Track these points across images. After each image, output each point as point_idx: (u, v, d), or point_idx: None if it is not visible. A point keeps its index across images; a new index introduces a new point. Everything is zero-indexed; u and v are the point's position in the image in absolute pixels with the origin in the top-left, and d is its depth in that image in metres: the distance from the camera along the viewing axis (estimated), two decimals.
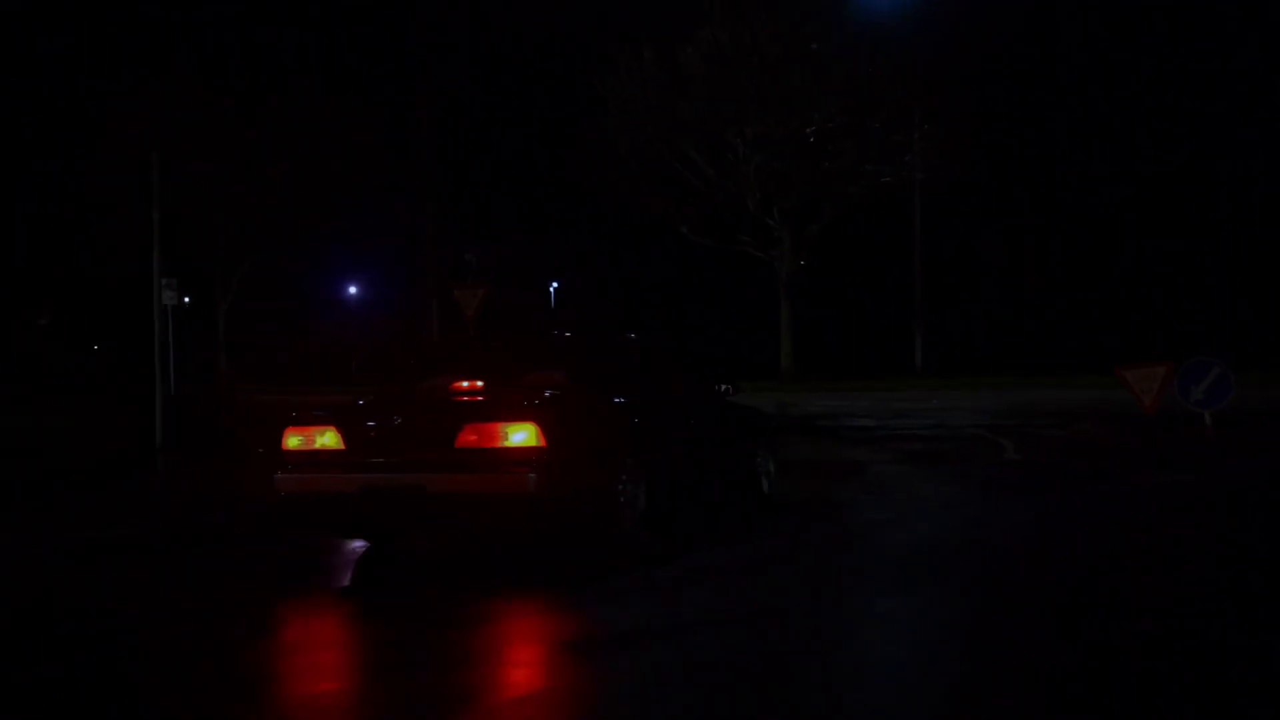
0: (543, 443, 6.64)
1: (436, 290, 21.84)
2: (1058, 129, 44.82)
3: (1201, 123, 43.69)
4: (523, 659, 5.65)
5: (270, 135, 40.99)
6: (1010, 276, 46.65)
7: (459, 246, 26.78)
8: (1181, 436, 16.08)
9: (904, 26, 34.17)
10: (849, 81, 33.04)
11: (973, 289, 46.49)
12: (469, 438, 6.77)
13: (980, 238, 45.96)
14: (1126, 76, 44.54)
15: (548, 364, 8.15)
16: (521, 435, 6.67)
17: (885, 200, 36.95)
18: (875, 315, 44.57)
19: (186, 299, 24.82)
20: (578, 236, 45.61)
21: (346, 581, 7.50)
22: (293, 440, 7.20)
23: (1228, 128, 43.20)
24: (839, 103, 33.40)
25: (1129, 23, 43.88)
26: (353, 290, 61.22)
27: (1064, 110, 45.01)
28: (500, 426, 6.74)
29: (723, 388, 9.57)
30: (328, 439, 7.09)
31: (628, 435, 7.64)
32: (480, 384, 7.71)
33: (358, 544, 8.03)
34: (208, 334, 49.23)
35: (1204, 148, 43.27)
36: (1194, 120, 43.64)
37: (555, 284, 56.04)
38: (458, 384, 7.80)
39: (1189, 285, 43.46)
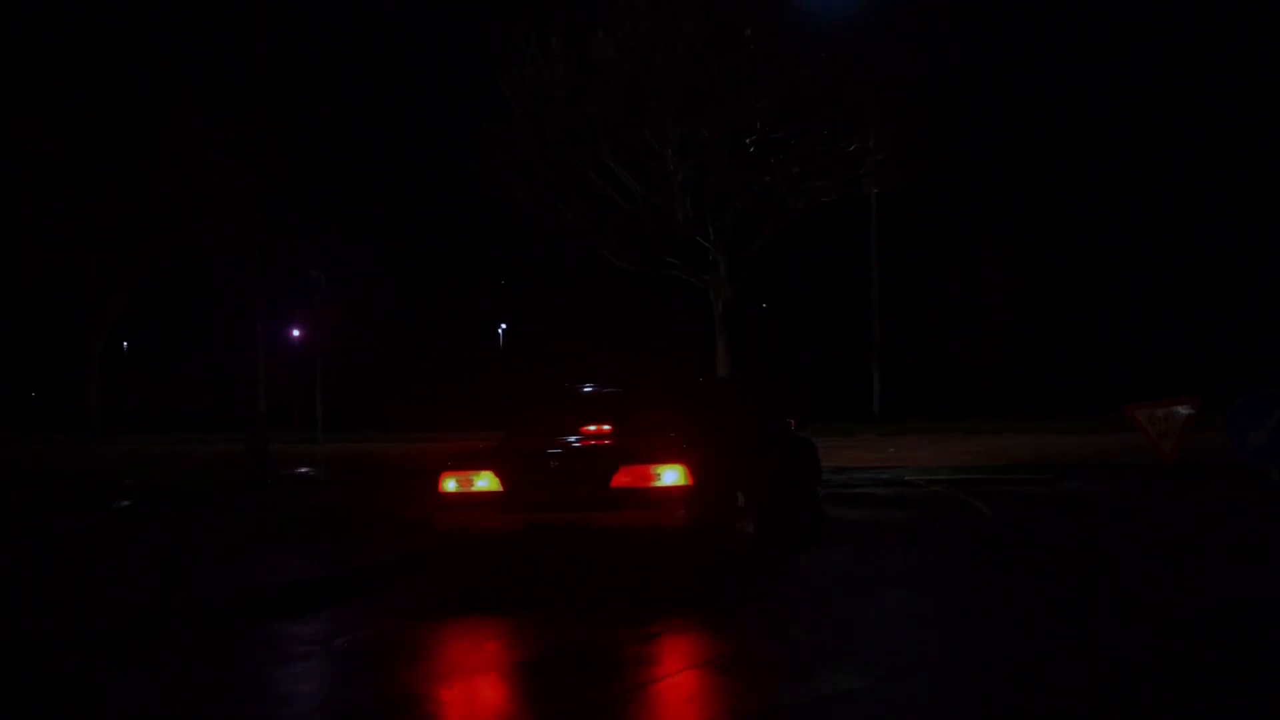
0: (690, 481, 7.60)
1: (257, 312, 17.60)
2: (1031, 136, 41.54)
3: (1193, 125, 40.51)
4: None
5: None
6: (976, 307, 42.98)
7: (304, 262, 22.69)
8: (1232, 498, 12.25)
9: (855, 18, 30.53)
10: (791, 80, 29.24)
11: (936, 321, 42.86)
12: (623, 478, 7.70)
13: (943, 263, 42.44)
14: (1104, 80, 41.44)
15: (660, 405, 9.13)
16: (673, 475, 7.62)
17: (835, 219, 33.26)
18: (826, 351, 40.97)
19: None
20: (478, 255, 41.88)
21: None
22: (450, 483, 8.17)
23: (1220, 129, 40.03)
24: (780, 105, 29.55)
25: (1109, 22, 40.81)
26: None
27: (1036, 117, 41.80)
28: (653, 468, 7.67)
29: (790, 422, 10.59)
30: (486, 481, 8.04)
31: (741, 471, 8.56)
32: (605, 427, 8.56)
33: None
34: (79, 375, 44.79)
35: (1197, 152, 40.08)
36: (1186, 123, 40.43)
37: (504, 326, 55.10)
38: (585, 427, 8.66)
39: (1180, 314, 40.06)
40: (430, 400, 42.32)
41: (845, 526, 11.57)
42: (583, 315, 45.02)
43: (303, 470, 20.03)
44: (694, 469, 7.63)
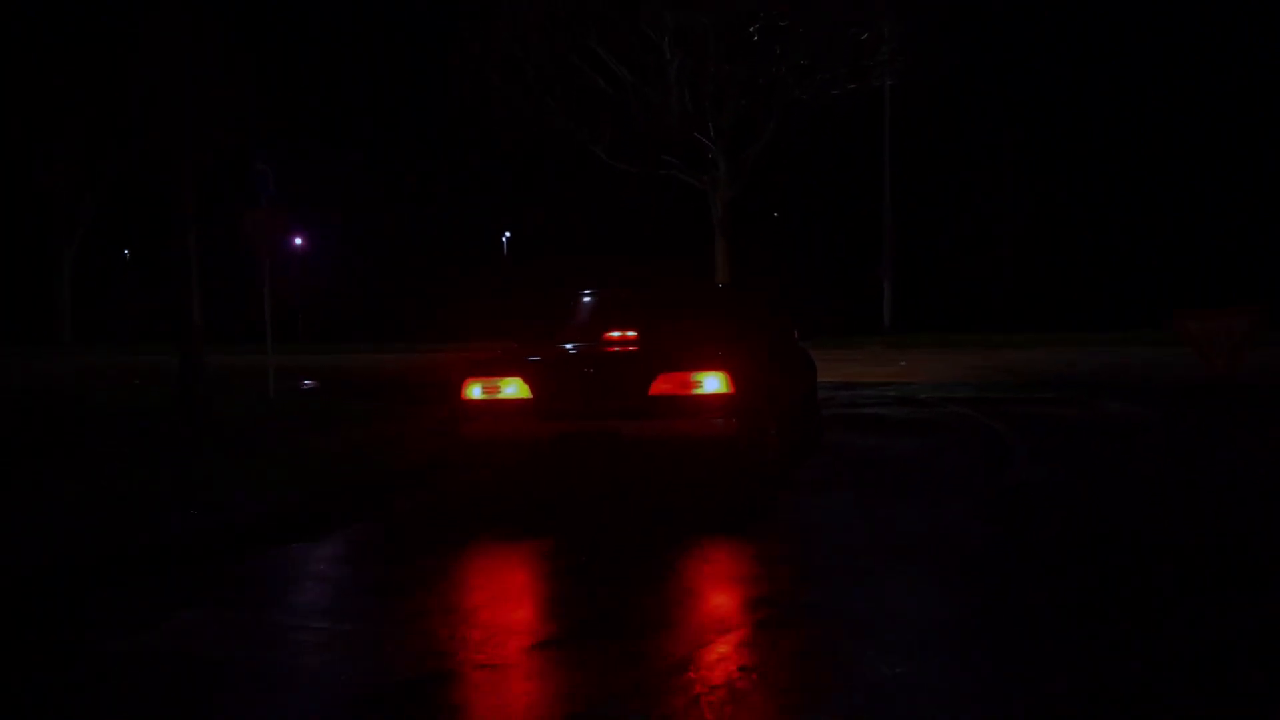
0: (732, 389, 7.32)
1: (190, 209, 15.61)
2: (1060, 25, 38.80)
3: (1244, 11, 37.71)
4: None
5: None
6: (995, 213, 40.68)
7: (249, 153, 20.49)
8: None
9: None
10: None
11: (951, 228, 40.60)
12: (663, 385, 7.37)
13: (960, 164, 40.00)
14: None
15: (688, 311, 9.22)
16: (714, 383, 7.32)
17: (844, 116, 30.93)
18: (831, 258, 38.85)
19: None
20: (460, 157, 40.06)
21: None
22: (475, 390, 7.80)
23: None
24: None
25: None
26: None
27: (1065, 3, 38.99)
28: (694, 375, 7.35)
29: (794, 332, 10.49)
30: (515, 388, 7.70)
31: (768, 381, 8.27)
32: (634, 334, 8.44)
33: None
34: (44, 288, 43.05)
35: (1244, 38, 37.35)
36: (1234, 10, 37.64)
37: (508, 234, 54.66)
38: (610, 334, 8.56)
39: (1225, 220, 37.69)
40: (434, 312, 40.97)
41: (848, 459, 9.73)
42: (583, 222, 43.69)
43: (307, 384, 19.08)
44: (735, 377, 7.39)
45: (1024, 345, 26.99)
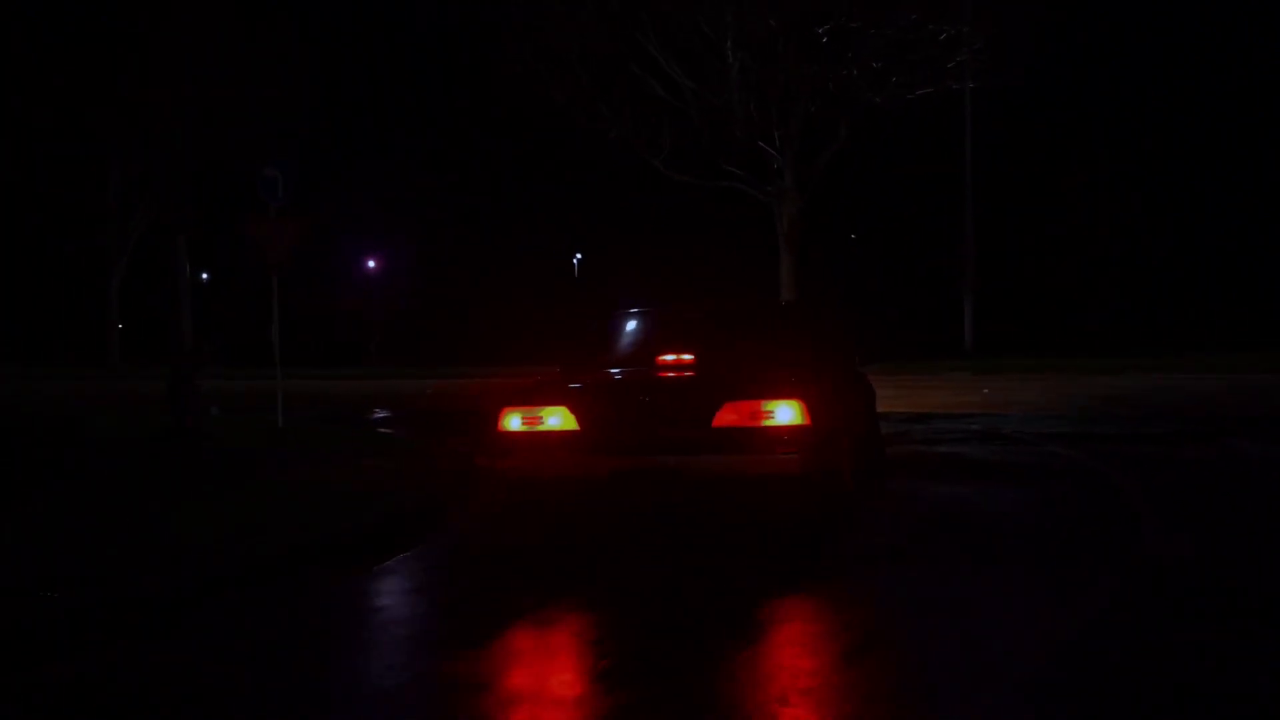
0: (808, 420, 6.64)
1: (183, 221, 14.27)
2: (1161, 26, 36.28)
3: None
4: None
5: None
6: (1088, 228, 38.11)
7: (255, 159, 19.01)
8: None
9: None
10: None
11: (1039, 244, 38.13)
12: (729, 416, 6.68)
13: (1048, 175, 37.53)
14: None
15: (754, 332, 8.41)
16: (788, 413, 6.63)
17: (921, 123, 28.80)
18: (908, 275, 36.61)
19: None
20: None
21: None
22: (514, 420, 7.06)
23: None
24: None
25: None
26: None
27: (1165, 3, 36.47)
28: (765, 404, 6.66)
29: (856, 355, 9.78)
30: (559, 419, 6.96)
31: (841, 409, 7.69)
32: (692, 357, 7.62)
33: None
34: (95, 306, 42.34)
35: None
36: None
37: (579, 256, 54.62)
38: (665, 357, 7.68)
39: None
40: (503, 335, 40.16)
41: (922, 516, 7.76)
42: (649, 240, 42.72)
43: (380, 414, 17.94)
44: (811, 406, 6.71)
45: (1122, 370, 24.62)
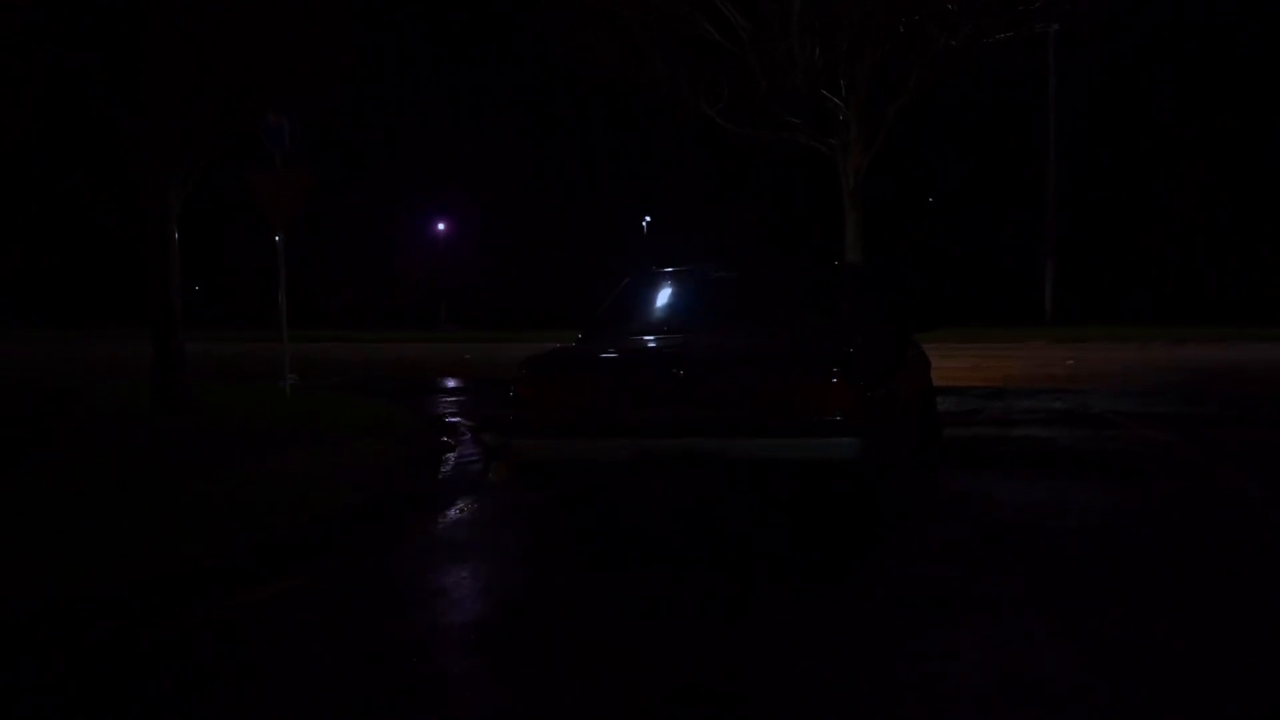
0: (864, 399, 5.75)
1: (170, 166, 12.89)
2: None
3: None
4: None
5: None
6: (1177, 187, 35.57)
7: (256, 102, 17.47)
8: None
9: None
10: None
11: (1124, 203, 35.70)
12: (777, 394, 5.83)
13: (1137, 130, 35.03)
14: None
15: (805, 299, 7.75)
16: (843, 392, 5.71)
17: (999, 73, 26.54)
18: (984, 237, 34.47)
19: None
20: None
21: None
22: (529, 395, 6.20)
23: None
24: None
25: None
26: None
27: None
28: (817, 381, 5.76)
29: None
30: (581, 394, 6.12)
31: (899, 386, 6.73)
32: (734, 325, 7.03)
33: None
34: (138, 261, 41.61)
35: None
36: None
37: (648, 218, 53.70)
38: (703, 325, 7.13)
39: None
40: (571, 298, 39.41)
41: (990, 534, 6.01)
42: (714, 199, 41.56)
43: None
44: (867, 384, 5.82)
45: (1215, 339, 22.46)
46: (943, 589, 4.91)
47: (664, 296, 7.86)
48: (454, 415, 12.43)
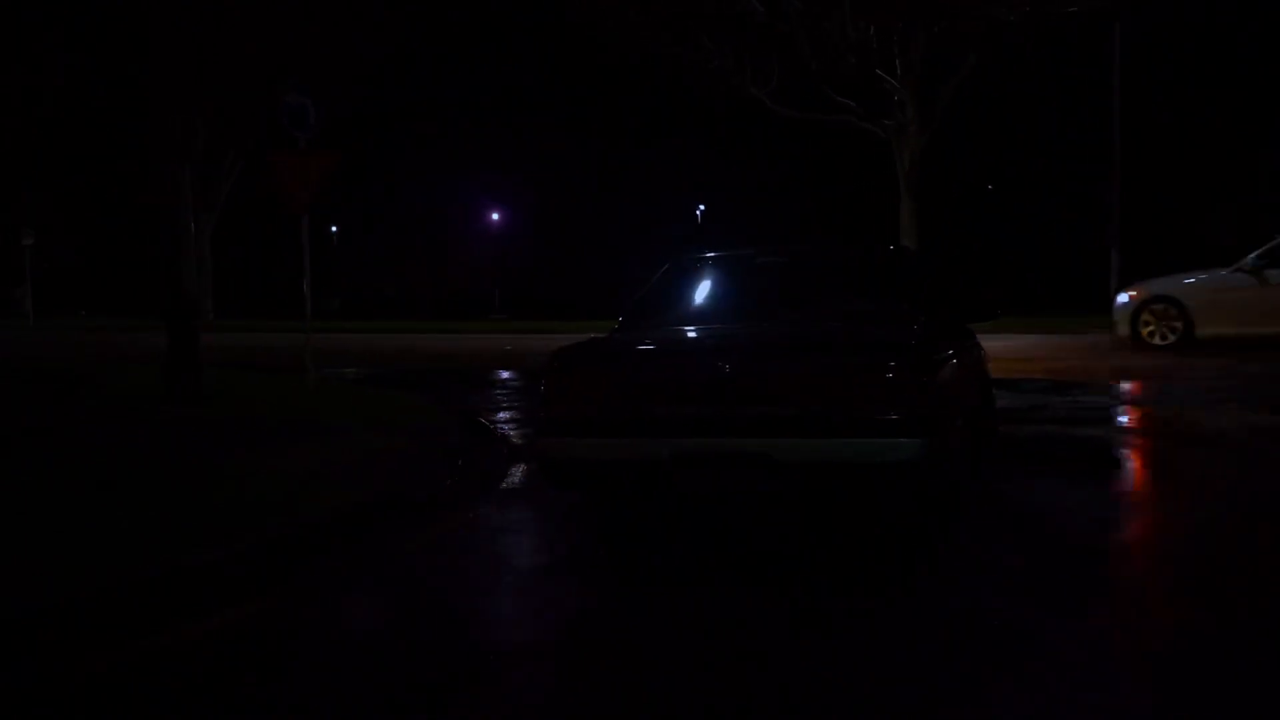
0: (929, 394, 5.29)
1: (184, 155, 12.35)
2: None
3: None
4: None
5: None
6: (1252, 166, 34.12)
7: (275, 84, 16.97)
8: None
9: None
10: None
11: (1195, 188, 34.30)
12: (829, 389, 5.35)
13: (1209, 107, 33.64)
14: None
15: (861, 286, 7.18)
16: (906, 386, 5.25)
17: (1061, 48, 25.38)
18: (1045, 222, 33.29)
19: None
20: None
21: None
22: (559, 389, 5.78)
23: None
24: None
25: None
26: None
27: None
28: (875, 373, 5.30)
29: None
30: (615, 388, 5.70)
31: (960, 372, 6.12)
32: (782, 313, 6.60)
33: None
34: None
35: None
36: None
37: (701, 208, 53.67)
38: (748, 314, 6.72)
39: None
40: (625, 288, 39.17)
41: (1062, 544, 5.17)
42: (768, 188, 41.02)
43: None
44: (931, 377, 5.29)
45: None
46: (1013, 628, 4.06)
47: (706, 283, 7.44)
48: (481, 409, 11.74)
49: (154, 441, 8.84)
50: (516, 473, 7.83)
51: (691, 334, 6.57)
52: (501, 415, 11.13)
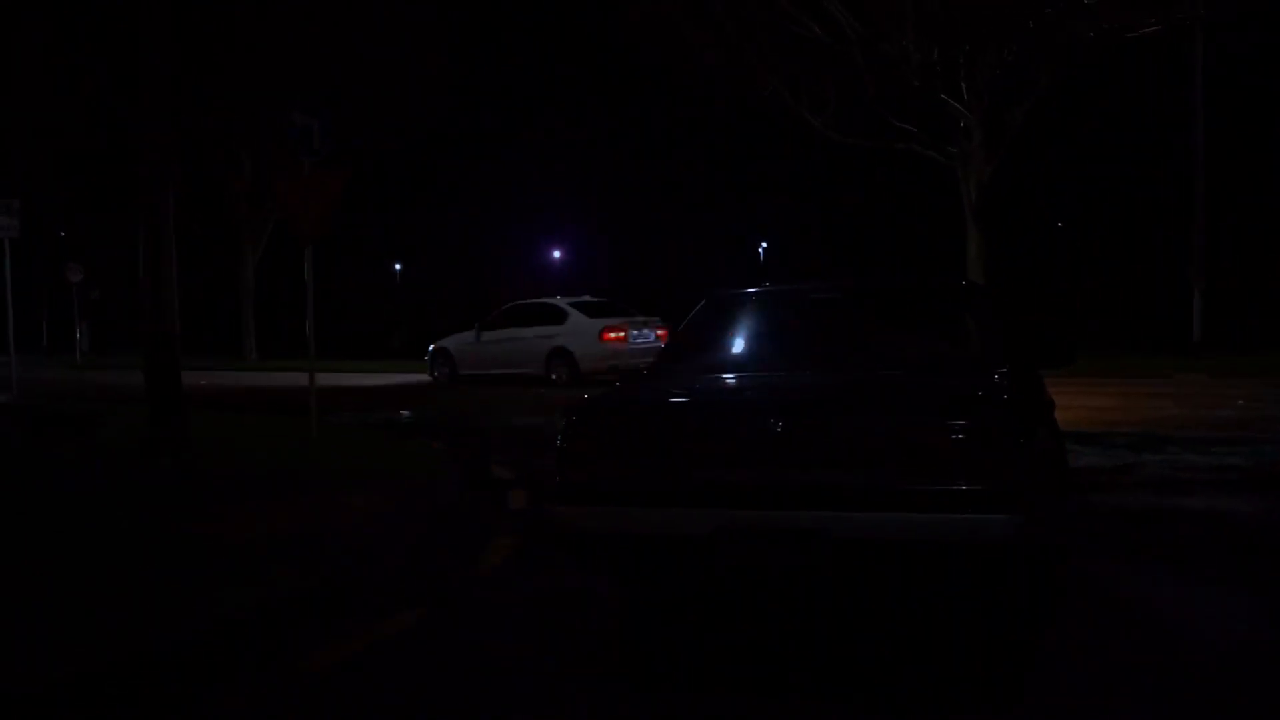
0: (1024, 459, 4.46)
1: (169, 183, 11.35)
2: None
3: None
4: None
5: None
6: None
7: (285, 101, 15.95)
8: None
9: None
10: None
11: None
12: (906, 452, 4.53)
13: None
14: None
15: (933, 329, 6.13)
16: (996, 449, 4.39)
17: (1140, 69, 23.82)
18: (1122, 255, 31.58)
19: None
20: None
21: None
22: (576, 447, 4.94)
23: None
24: None
25: None
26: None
27: None
28: (961, 436, 4.44)
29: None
30: (643, 445, 4.88)
31: (1050, 430, 5.62)
32: (839, 360, 5.63)
33: None
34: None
35: None
36: None
37: (764, 245, 52.78)
38: (799, 360, 5.79)
39: None
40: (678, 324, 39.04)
41: (1173, 665, 3.77)
42: (831, 221, 40.49)
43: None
44: (1029, 437, 4.50)
45: None
46: None
47: (751, 322, 6.55)
48: (498, 461, 10.52)
49: (96, 503, 7.82)
50: (501, 547, 6.58)
51: (733, 383, 5.67)
52: (521, 469, 9.88)
